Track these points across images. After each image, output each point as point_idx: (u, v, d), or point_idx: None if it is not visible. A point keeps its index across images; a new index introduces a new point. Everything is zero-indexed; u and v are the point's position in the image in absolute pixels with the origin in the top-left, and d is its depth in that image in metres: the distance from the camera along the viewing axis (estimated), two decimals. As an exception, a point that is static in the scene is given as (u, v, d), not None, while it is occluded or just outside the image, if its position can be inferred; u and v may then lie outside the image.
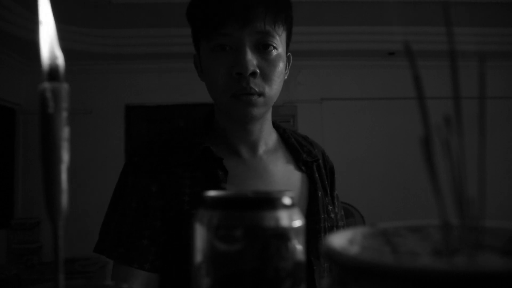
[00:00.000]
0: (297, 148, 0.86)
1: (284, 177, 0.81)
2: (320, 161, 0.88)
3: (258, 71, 0.73)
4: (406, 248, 0.26)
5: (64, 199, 0.28)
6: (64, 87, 0.28)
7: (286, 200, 0.32)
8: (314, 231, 0.79)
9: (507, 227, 0.27)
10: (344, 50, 3.50)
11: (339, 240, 0.26)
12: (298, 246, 0.32)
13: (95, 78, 3.71)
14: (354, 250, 0.25)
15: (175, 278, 0.74)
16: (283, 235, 0.31)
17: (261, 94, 0.74)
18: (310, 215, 0.80)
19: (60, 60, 0.28)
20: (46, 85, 0.27)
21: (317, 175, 0.84)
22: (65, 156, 0.27)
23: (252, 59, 0.72)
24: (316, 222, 0.80)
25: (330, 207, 0.85)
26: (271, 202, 0.31)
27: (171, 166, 0.77)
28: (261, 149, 0.82)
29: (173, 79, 3.76)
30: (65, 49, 0.28)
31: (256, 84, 0.73)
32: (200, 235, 0.31)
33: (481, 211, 0.23)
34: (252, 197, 0.32)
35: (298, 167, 0.84)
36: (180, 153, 0.79)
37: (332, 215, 0.84)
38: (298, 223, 0.32)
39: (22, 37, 2.92)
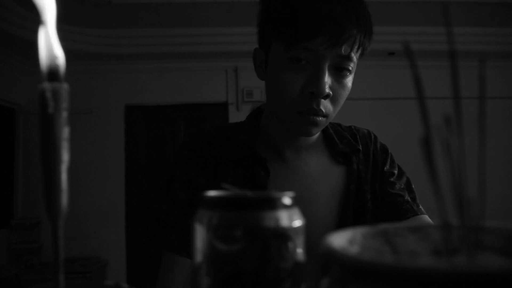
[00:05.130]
0: (333, 137, 0.84)
1: (322, 177, 0.81)
2: (370, 147, 0.86)
3: (331, 94, 0.71)
4: (406, 248, 0.26)
5: (64, 199, 0.28)
6: (64, 87, 0.28)
7: (286, 200, 0.32)
8: (344, 227, 0.78)
9: (507, 227, 0.27)
10: (344, 50, 3.49)
11: (339, 240, 0.26)
12: (298, 246, 0.32)
13: (95, 78, 3.71)
14: (354, 250, 0.25)
15: None
16: (283, 235, 0.31)
17: (326, 116, 0.73)
18: (343, 211, 0.79)
19: (60, 60, 0.28)
20: (46, 85, 0.27)
21: (355, 167, 0.83)
22: (65, 156, 0.27)
23: (328, 81, 0.70)
24: (345, 218, 0.79)
25: (368, 195, 0.82)
26: (271, 202, 0.31)
27: (217, 162, 0.78)
28: (304, 150, 0.82)
29: (173, 79, 3.76)
30: (65, 49, 0.28)
31: (324, 106, 0.71)
32: (200, 235, 0.31)
33: (481, 211, 0.23)
34: (252, 197, 0.32)
35: (335, 160, 0.83)
36: (226, 150, 0.80)
37: (369, 204, 0.81)
38: (298, 223, 0.32)
39: (22, 37, 2.92)
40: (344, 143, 0.84)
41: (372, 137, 0.89)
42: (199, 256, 0.31)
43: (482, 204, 0.23)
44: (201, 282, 0.31)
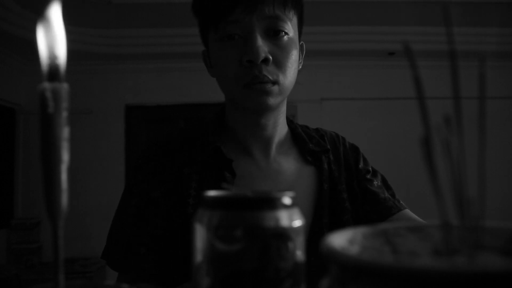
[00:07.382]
0: (303, 137, 0.83)
1: (293, 176, 0.79)
2: (340, 148, 0.85)
3: (270, 57, 0.70)
4: (406, 248, 0.26)
5: (64, 199, 0.28)
6: (64, 87, 0.28)
7: (286, 200, 0.32)
8: (318, 227, 0.76)
9: (507, 227, 0.27)
10: (344, 50, 3.50)
11: (339, 240, 0.26)
12: (298, 246, 0.32)
13: (95, 78, 3.71)
14: (354, 250, 0.25)
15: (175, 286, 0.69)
16: (283, 235, 0.31)
17: (275, 82, 0.71)
18: (317, 210, 0.77)
19: (61, 60, 0.28)
20: (46, 85, 0.27)
21: (326, 166, 0.81)
22: (65, 156, 0.27)
23: (263, 45, 0.69)
24: (320, 218, 0.77)
25: (344, 195, 0.80)
26: (271, 202, 0.31)
27: (179, 166, 0.75)
28: (274, 147, 0.80)
29: (173, 79, 3.76)
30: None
31: (269, 71, 0.70)
32: (200, 235, 0.31)
33: (481, 211, 0.23)
34: (252, 197, 0.32)
35: (305, 159, 0.81)
36: (190, 152, 0.77)
37: (347, 204, 0.80)
38: (298, 223, 0.32)
39: (22, 37, 2.92)
40: (313, 143, 0.83)
41: (340, 138, 0.88)
42: (199, 256, 0.31)
43: (482, 204, 0.23)
44: (201, 282, 0.31)
